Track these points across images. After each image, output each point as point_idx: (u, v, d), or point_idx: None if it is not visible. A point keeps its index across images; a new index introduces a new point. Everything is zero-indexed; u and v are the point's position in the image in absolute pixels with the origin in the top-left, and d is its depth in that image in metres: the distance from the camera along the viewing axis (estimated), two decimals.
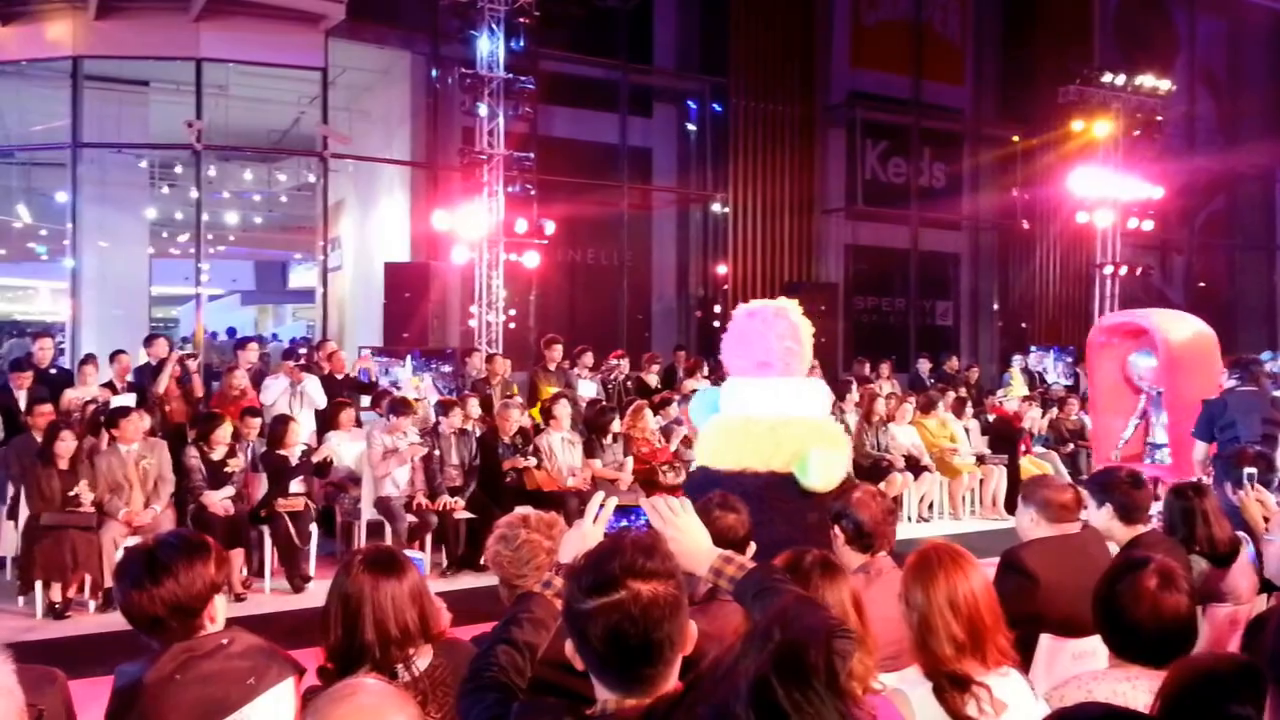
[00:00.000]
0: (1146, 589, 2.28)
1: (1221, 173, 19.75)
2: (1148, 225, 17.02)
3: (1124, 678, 2.29)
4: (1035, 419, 10.55)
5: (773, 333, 4.05)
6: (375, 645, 2.17)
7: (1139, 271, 17.51)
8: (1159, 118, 17.24)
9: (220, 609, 2.25)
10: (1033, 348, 15.64)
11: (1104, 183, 16.43)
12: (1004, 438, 10.12)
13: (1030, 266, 18.15)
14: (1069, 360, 14.85)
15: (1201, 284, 21.10)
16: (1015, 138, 18.08)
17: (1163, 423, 5.87)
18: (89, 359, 8.39)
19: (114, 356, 8.45)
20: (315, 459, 7.28)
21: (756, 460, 4.08)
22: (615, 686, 1.57)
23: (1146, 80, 16.73)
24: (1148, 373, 5.51)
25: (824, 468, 4.04)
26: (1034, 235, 18.02)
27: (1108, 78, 16.35)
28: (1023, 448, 10.07)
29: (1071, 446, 10.75)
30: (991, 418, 10.70)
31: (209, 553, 2.22)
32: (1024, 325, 17.89)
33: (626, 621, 1.51)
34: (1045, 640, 2.94)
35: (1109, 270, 17.11)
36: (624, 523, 2.20)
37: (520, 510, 2.74)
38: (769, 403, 4.11)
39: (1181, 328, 5.60)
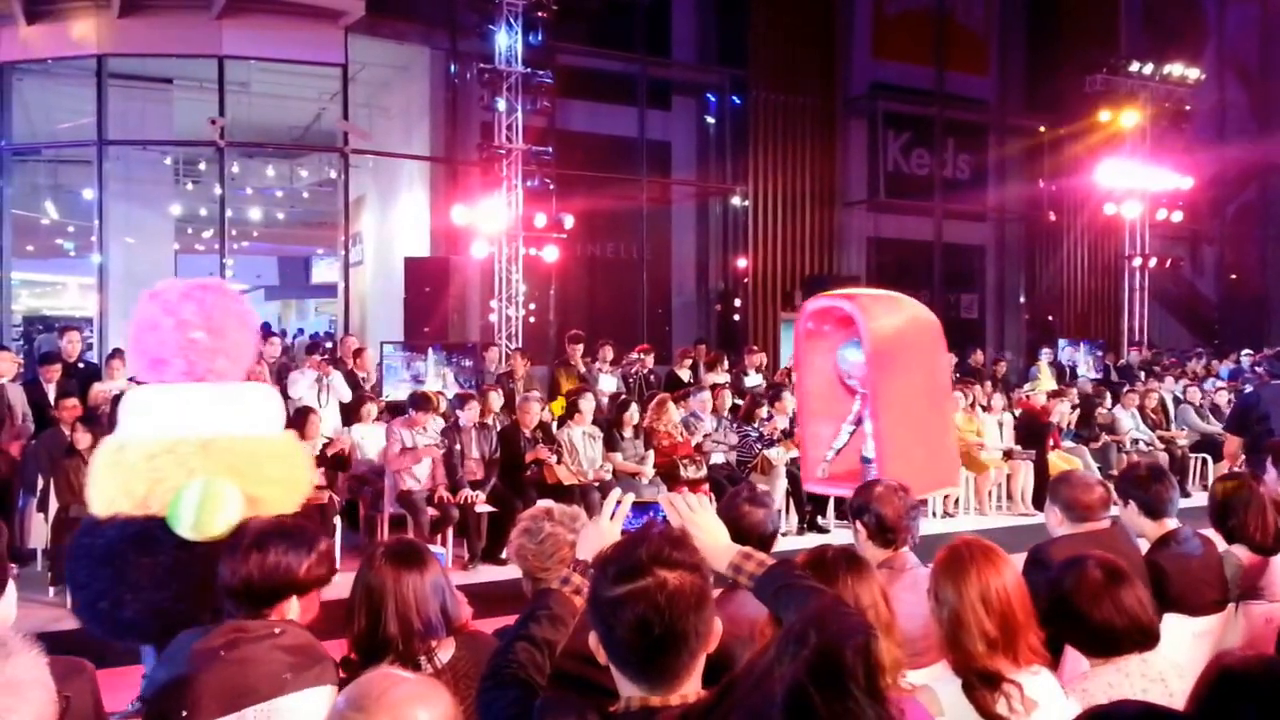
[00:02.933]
0: (1100, 587, 2.31)
1: (1253, 162, 19.43)
2: (1177, 216, 16.79)
3: (1113, 669, 2.29)
4: (1064, 413, 10.40)
5: (173, 320, 2.91)
6: (398, 637, 2.17)
7: (1168, 263, 17.27)
8: (1188, 107, 17.00)
9: (294, 613, 2.25)
10: (1061, 341, 15.47)
11: (1132, 173, 16.23)
12: (1032, 432, 9.99)
13: (1057, 258, 17.96)
14: (1099, 354, 14.69)
15: (1233, 276, 20.80)
16: (1041, 128, 17.87)
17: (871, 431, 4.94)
18: (116, 353, 8.47)
19: None
20: (330, 451, 7.30)
21: (128, 500, 3.00)
22: (639, 679, 1.56)
23: (1175, 69, 16.49)
24: (856, 369, 4.59)
25: (201, 508, 2.92)
26: (1061, 227, 17.82)
27: (1135, 66, 16.14)
28: (1051, 442, 9.93)
29: (1102, 441, 10.62)
30: (1019, 412, 10.57)
31: (307, 551, 2.25)
32: (1051, 318, 17.72)
33: (652, 610, 1.51)
34: None
35: (1138, 262, 16.89)
36: (638, 519, 2.18)
37: (543, 503, 2.73)
38: (163, 418, 3.04)
39: (891, 314, 4.68)
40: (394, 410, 8.38)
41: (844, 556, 2.25)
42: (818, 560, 2.22)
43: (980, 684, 2.12)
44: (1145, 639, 2.32)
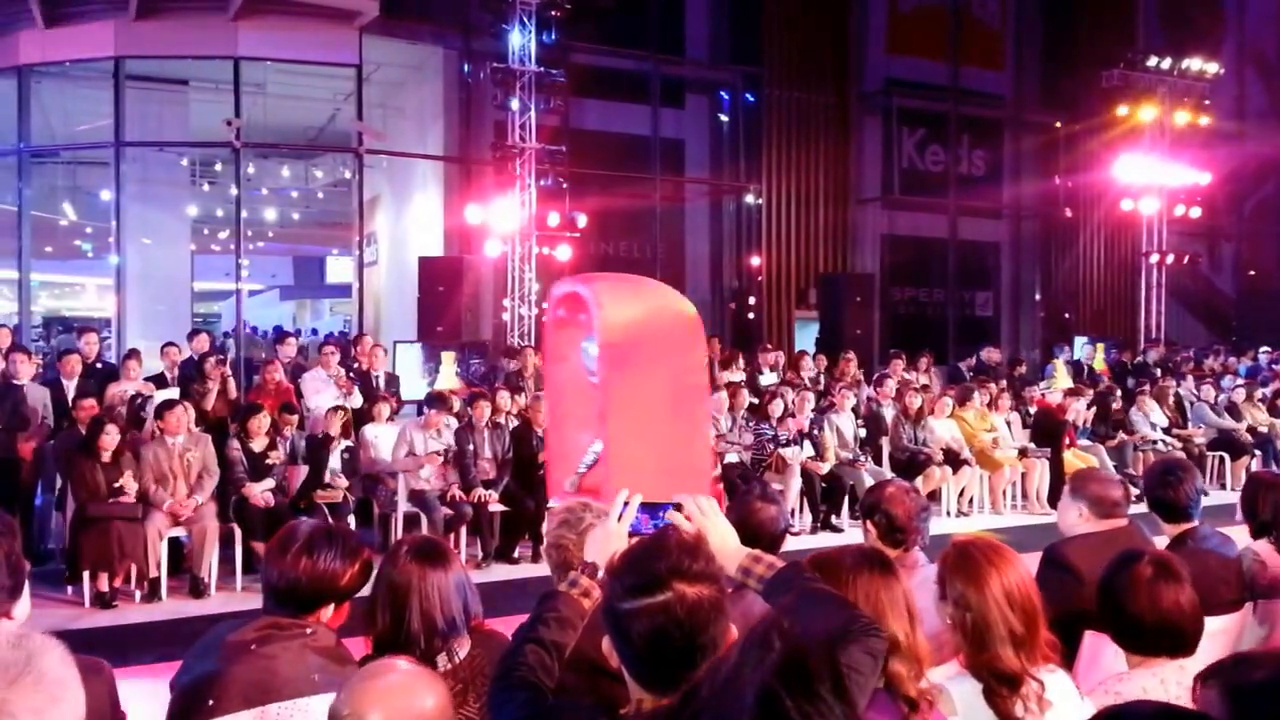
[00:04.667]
0: (1142, 580, 2.28)
1: (1272, 157, 19.18)
2: (1195, 212, 16.62)
3: (1149, 674, 2.25)
4: (1079, 411, 10.34)
5: None
6: (421, 635, 2.17)
7: (1186, 260, 17.12)
8: (1206, 101, 16.83)
9: (326, 619, 2.25)
10: (1078, 338, 15.37)
11: (1149, 169, 16.08)
12: (1047, 430, 9.93)
13: (1073, 255, 17.84)
14: (1114, 351, 14.60)
15: (1251, 272, 20.61)
16: (1057, 124, 17.76)
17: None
18: (133, 354, 8.53)
19: (164, 349, 8.66)
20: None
21: None
22: (652, 685, 1.55)
23: (1193, 63, 16.32)
24: (595, 364, 4.06)
25: None
26: (1077, 223, 17.70)
27: (1153, 61, 15.98)
28: (1066, 440, 9.88)
29: (1118, 439, 10.55)
30: (1034, 409, 10.51)
31: (353, 561, 2.24)
32: (1067, 315, 17.60)
33: (671, 625, 1.49)
34: (1089, 637, 2.86)
35: (1155, 259, 16.75)
36: (646, 519, 2.17)
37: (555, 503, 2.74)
38: None
39: (631, 302, 4.03)
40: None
41: (864, 555, 2.17)
42: (837, 560, 2.16)
43: (1000, 685, 2.09)
44: (1177, 643, 2.27)
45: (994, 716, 2.09)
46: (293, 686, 2.08)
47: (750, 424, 8.74)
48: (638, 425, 3.85)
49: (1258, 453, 11.05)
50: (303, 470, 7.29)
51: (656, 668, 1.53)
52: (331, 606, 2.23)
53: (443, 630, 2.20)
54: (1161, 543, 3.31)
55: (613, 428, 3.86)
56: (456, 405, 8.30)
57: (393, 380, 9.31)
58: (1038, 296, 18.43)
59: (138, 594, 6.45)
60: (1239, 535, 3.48)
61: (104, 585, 6.31)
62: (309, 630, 2.16)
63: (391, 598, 2.21)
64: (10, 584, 1.97)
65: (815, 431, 8.89)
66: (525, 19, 12.16)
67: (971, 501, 9.53)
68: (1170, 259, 16.73)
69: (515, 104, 12.21)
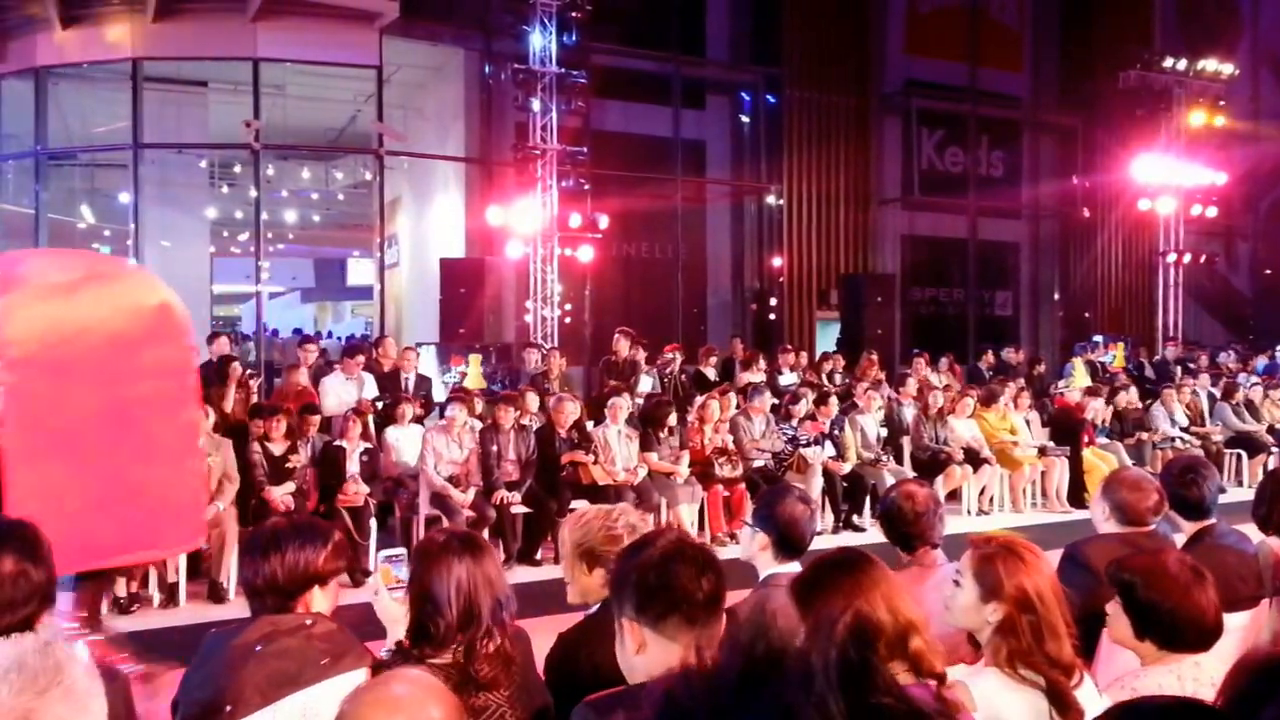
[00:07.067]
0: (1175, 576, 2.30)
1: None
2: (1211, 212, 16.60)
3: (1165, 670, 2.28)
4: (1098, 409, 10.33)
5: None
6: (488, 617, 2.24)
7: (1203, 259, 17.06)
8: (1222, 102, 16.77)
9: (318, 603, 2.32)
10: (1095, 337, 15.34)
11: (1166, 169, 16.05)
12: (1066, 429, 9.93)
13: (1091, 255, 17.80)
14: (1128, 351, 14.56)
15: (1267, 271, 20.49)
16: (1075, 125, 17.70)
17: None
18: None
19: None
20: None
21: None
22: (691, 623, 1.73)
23: (1209, 64, 16.30)
24: None
25: None
26: (1095, 223, 17.66)
27: (1169, 62, 15.97)
28: (1086, 439, 9.87)
29: (1137, 437, 10.53)
30: (1053, 409, 10.51)
31: (323, 544, 2.32)
32: (1086, 314, 17.56)
33: (691, 548, 1.81)
34: (1107, 637, 2.89)
35: (1172, 258, 16.70)
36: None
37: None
38: None
39: (47, 291, 3.10)
40: None
41: (842, 561, 1.97)
42: (822, 568, 1.97)
43: (1066, 678, 2.08)
44: (1202, 640, 2.31)
45: (1014, 712, 2.12)
46: (306, 675, 2.16)
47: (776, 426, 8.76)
48: (59, 449, 3.06)
49: (1275, 450, 11.00)
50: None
51: (694, 598, 1.72)
52: (316, 590, 2.31)
53: (506, 604, 2.29)
54: (1179, 540, 3.33)
55: (17, 453, 3.00)
56: (479, 406, 8.30)
57: (423, 382, 9.23)
58: (1056, 296, 18.38)
59: (156, 598, 6.41)
60: (1255, 532, 3.49)
61: (122, 590, 6.26)
62: (308, 622, 2.24)
63: (458, 592, 2.25)
64: (50, 592, 2.05)
65: (836, 432, 8.91)
66: (546, 20, 12.20)
67: (992, 500, 9.53)
68: (1187, 258, 16.72)
69: (536, 105, 12.25)
